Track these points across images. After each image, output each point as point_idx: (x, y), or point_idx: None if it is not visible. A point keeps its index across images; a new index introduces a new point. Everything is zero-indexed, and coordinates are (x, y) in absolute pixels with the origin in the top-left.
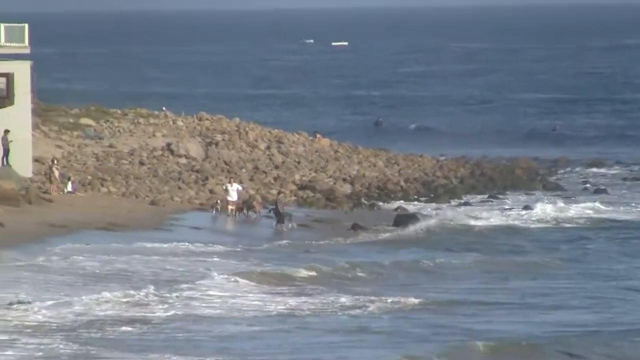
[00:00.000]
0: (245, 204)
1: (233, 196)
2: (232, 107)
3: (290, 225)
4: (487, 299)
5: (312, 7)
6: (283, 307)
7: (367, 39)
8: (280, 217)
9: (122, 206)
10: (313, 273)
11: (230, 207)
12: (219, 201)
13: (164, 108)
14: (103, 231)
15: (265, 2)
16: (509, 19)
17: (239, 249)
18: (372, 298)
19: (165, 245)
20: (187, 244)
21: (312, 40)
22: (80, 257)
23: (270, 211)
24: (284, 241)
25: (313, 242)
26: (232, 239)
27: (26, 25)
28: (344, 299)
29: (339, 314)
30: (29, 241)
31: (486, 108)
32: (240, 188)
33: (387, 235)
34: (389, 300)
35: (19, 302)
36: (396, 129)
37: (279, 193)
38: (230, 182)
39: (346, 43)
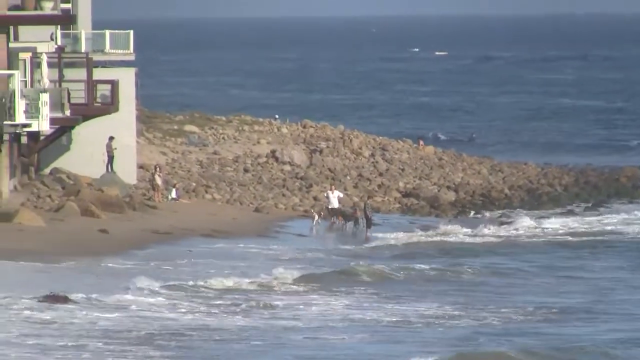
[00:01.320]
0: (343, 214)
1: (334, 203)
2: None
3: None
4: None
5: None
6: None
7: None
8: (368, 221)
9: (226, 213)
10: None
11: (332, 214)
12: (322, 208)
13: (276, 116)
14: (207, 237)
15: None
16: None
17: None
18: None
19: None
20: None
21: (417, 49)
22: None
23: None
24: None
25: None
26: (330, 246)
27: (131, 32)
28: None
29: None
30: (133, 247)
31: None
32: (341, 195)
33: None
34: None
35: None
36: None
37: (368, 198)
38: (331, 190)
39: (446, 53)
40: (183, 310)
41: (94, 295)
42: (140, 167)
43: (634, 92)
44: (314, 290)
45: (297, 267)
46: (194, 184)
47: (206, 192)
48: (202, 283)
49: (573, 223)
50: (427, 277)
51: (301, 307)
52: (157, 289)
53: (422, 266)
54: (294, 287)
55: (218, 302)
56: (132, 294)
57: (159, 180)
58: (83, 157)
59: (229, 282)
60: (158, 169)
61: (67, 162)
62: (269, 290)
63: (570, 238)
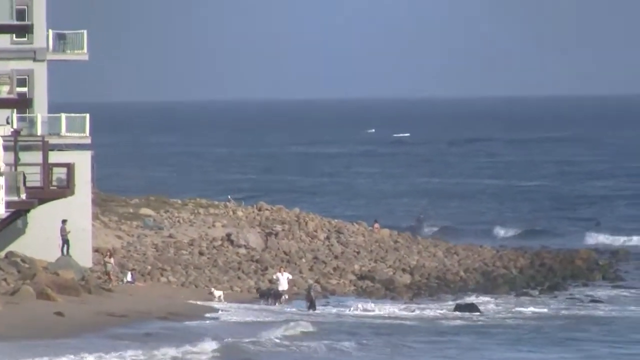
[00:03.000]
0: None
1: (284, 285)
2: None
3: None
4: None
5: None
6: None
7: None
8: (312, 303)
9: (181, 296)
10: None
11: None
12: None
13: (229, 197)
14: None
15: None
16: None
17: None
18: None
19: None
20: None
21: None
22: None
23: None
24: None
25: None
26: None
27: (87, 116)
28: None
29: None
30: (88, 331)
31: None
32: (290, 277)
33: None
34: None
35: None
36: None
37: (315, 281)
38: (280, 272)
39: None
40: None
41: None
42: (96, 250)
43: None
44: None
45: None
46: (149, 267)
47: (162, 275)
48: None
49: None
50: None
51: None
52: None
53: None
54: None
55: None
56: None
57: (109, 266)
58: (39, 240)
59: None
60: (109, 253)
61: (22, 246)
62: None
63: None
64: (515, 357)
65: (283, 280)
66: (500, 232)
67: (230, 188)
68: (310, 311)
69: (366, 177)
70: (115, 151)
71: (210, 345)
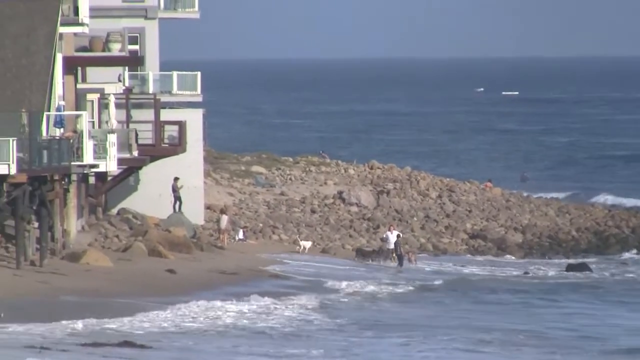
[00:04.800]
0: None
1: (392, 243)
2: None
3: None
4: None
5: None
6: None
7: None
8: (400, 258)
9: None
10: None
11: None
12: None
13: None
14: (274, 279)
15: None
16: None
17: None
18: None
19: None
20: None
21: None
22: None
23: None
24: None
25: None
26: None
27: (199, 74)
28: None
29: None
30: (200, 289)
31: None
32: (401, 235)
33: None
34: None
35: None
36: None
37: (398, 236)
38: (390, 230)
39: (517, 93)
40: None
41: None
42: (208, 207)
43: None
44: None
45: None
46: (261, 225)
47: (273, 232)
48: None
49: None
50: None
51: None
52: None
53: None
54: None
55: None
56: None
57: (224, 223)
58: (150, 197)
59: None
60: (222, 211)
61: (134, 203)
62: None
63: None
64: (630, 316)
65: (392, 238)
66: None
67: (344, 147)
68: (398, 267)
69: (478, 135)
70: (224, 109)
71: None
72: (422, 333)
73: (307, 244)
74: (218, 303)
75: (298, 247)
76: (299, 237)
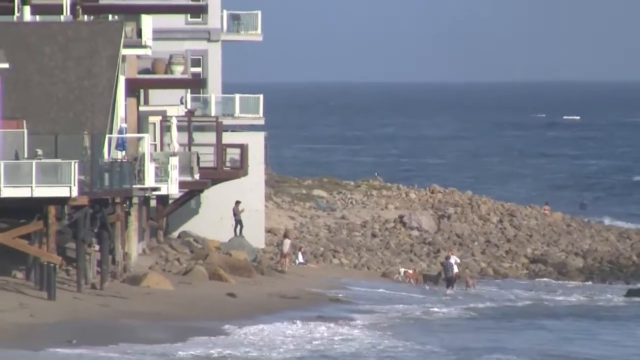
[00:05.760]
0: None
1: (453, 269)
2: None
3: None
4: None
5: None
6: None
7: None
8: (449, 281)
9: (354, 278)
10: None
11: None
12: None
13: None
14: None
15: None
16: None
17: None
18: None
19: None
20: None
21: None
22: None
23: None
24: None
25: None
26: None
27: (261, 97)
28: None
29: None
30: (261, 313)
31: None
32: (458, 261)
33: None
34: None
35: None
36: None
37: (446, 258)
38: (449, 255)
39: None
40: None
41: None
42: (268, 231)
43: None
44: None
45: None
46: (321, 249)
47: (334, 256)
48: None
49: None
50: None
51: None
52: None
53: None
54: None
55: None
56: None
57: (286, 248)
58: (211, 220)
59: None
60: (287, 235)
61: (195, 226)
62: None
63: None
64: None
65: (452, 264)
66: None
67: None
68: (448, 290)
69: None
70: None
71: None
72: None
73: (410, 271)
74: (279, 326)
75: (397, 275)
76: (399, 264)
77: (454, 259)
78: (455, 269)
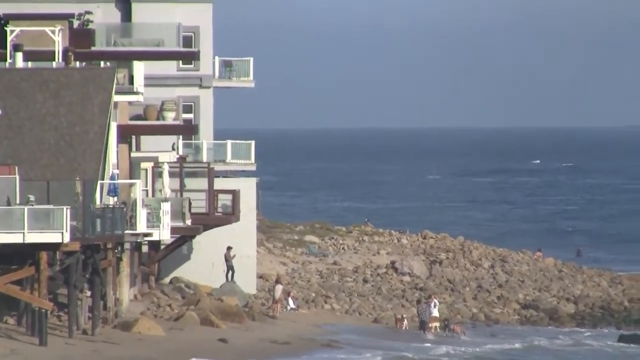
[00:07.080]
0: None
1: (434, 312)
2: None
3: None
4: None
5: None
6: None
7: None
8: (423, 324)
9: (345, 323)
10: None
11: (433, 323)
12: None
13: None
14: (327, 348)
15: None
16: None
17: None
18: None
19: None
20: None
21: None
22: None
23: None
24: None
25: None
26: None
27: (253, 143)
28: None
29: None
30: (252, 358)
31: None
32: (438, 304)
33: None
34: None
35: None
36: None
37: (425, 302)
38: (431, 300)
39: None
40: None
41: None
42: (260, 277)
43: None
44: None
45: None
46: (313, 294)
47: (325, 302)
48: None
49: None
50: None
51: None
52: None
53: None
54: None
55: None
56: None
57: (277, 294)
58: (203, 266)
59: None
60: (278, 280)
61: (187, 271)
62: None
63: None
64: None
65: (434, 308)
66: None
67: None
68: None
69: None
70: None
71: None
72: None
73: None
74: None
75: (399, 324)
76: (403, 315)
77: (434, 302)
78: (435, 313)
